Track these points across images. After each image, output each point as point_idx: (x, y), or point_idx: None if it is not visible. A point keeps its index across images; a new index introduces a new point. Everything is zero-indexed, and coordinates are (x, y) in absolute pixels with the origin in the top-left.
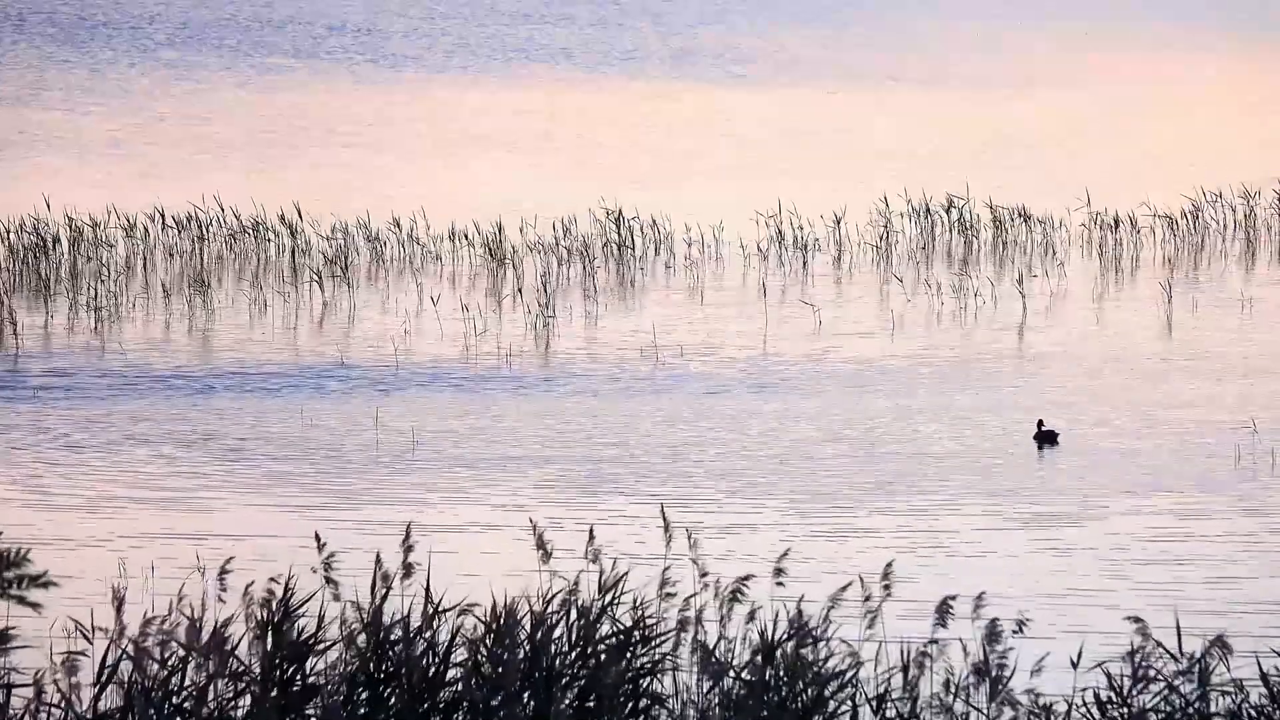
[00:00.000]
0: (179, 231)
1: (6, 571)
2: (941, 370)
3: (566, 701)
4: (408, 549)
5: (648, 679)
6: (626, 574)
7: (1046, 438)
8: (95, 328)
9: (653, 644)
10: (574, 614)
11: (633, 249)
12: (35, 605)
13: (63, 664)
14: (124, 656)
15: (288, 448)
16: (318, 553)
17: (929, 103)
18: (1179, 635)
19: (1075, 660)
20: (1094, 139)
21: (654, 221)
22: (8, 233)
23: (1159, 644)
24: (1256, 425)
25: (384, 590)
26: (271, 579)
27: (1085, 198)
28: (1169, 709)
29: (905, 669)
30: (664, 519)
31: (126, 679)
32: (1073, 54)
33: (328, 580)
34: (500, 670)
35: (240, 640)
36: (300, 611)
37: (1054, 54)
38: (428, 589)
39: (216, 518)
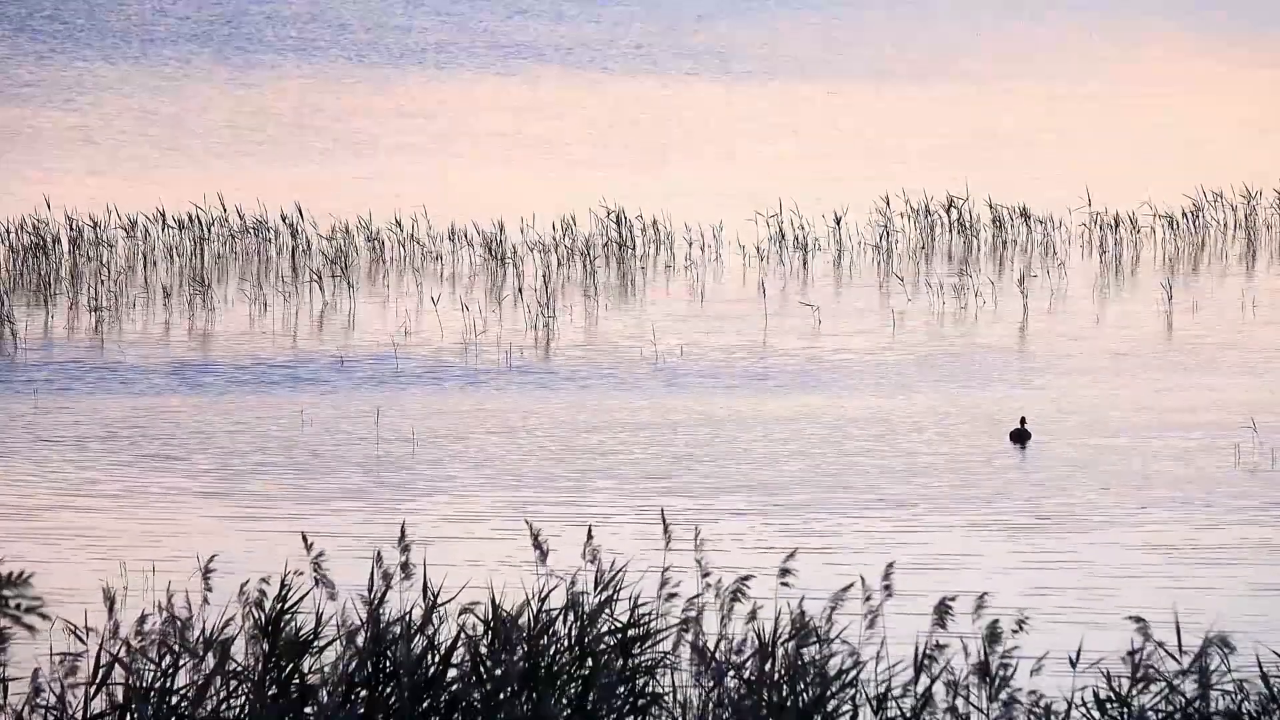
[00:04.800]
0: (179, 231)
1: (6, 590)
2: (942, 370)
3: (565, 701)
4: (405, 548)
5: (646, 678)
6: (623, 571)
7: (1020, 436)
8: (95, 328)
9: (651, 643)
10: (572, 614)
11: (633, 249)
12: (30, 628)
13: (60, 664)
14: (119, 657)
15: (287, 447)
16: (306, 553)
17: (928, 102)
18: (1179, 635)
19: (1074, 660)
20: (1094, 138)
21: (654, 221)
22: (8, 233)
23: (1159, 644)
24: (1256, 425)
25: (382, 589)
26: (263, 579)
27: (1085, 197)
28: (1169, 709)
29: (915, 670)
30: (663, 520)
31: (123, 679)
32: (1073, 53)
33: (318, 581)
34: (499, 669)
35: (237, 639)
36: (298, 610)
37: (1054, 53)
38: (425, 587)
39: (215, 518)
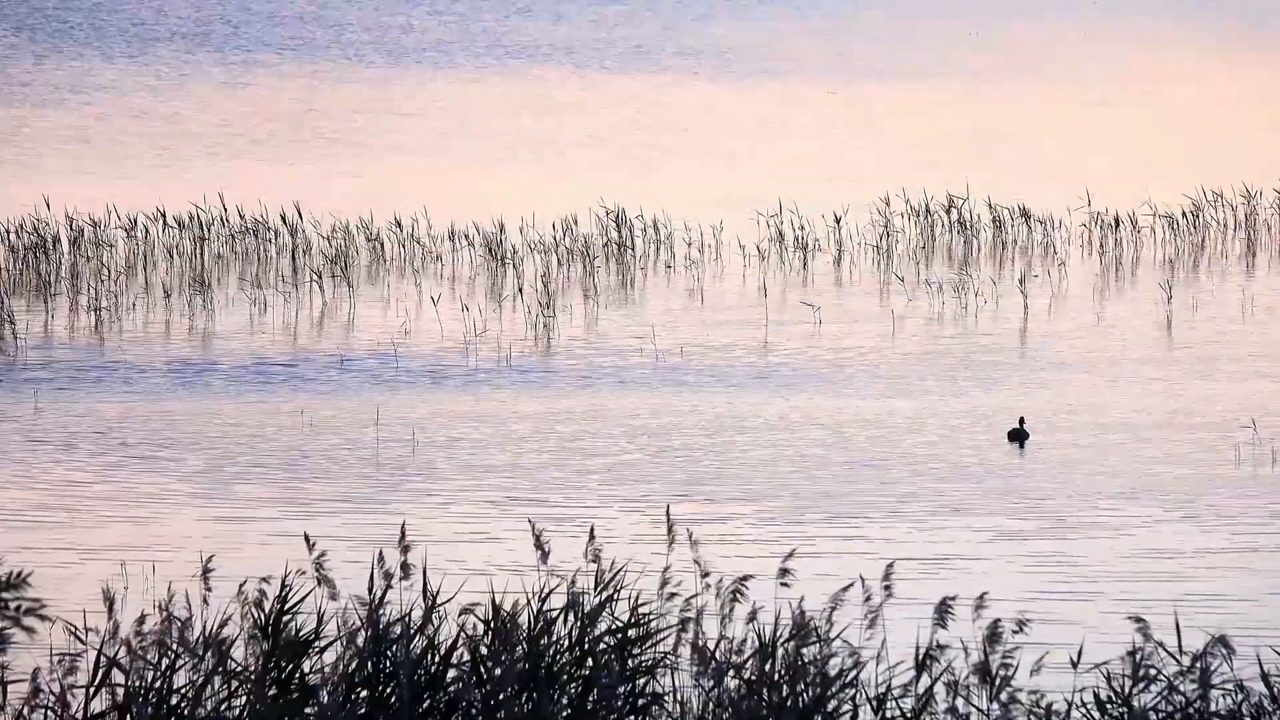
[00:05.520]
0: (180, 231)
1: (5, 592)
2: (942, 370)
3: (565, 701)
4: (405, 548)
5: (646, 678)
6: (624, 571)
7: (1018, 436)
8: (95, 328)
9: (651, 643)
10: (572, 614)
11: (633, 249)
12: (29, 629)
13: (60, 664)
14: (119, 657)
15: (288, 448)
16: (309, 553)
17: (929, 102)
18: (1179, 635)
19: (1075, 660)
20: (1094, 138)
21: (654, 221)
22: (8, 233)
23: (1159, 644)
24: (1256, 425)
25: (383, 589)
26: (263, 579)
27: (1085, 198)
28: (1169, 709)
29: (916, 670)
30: (668, 519)
31: (123, 679)
32: (1073, 53)
33: (319, 580)
34: (499, 669)
35: (237, 639)
36: (298, 611)
37: (1054, 52)
38: (425, 587)
39: (214, 518)
